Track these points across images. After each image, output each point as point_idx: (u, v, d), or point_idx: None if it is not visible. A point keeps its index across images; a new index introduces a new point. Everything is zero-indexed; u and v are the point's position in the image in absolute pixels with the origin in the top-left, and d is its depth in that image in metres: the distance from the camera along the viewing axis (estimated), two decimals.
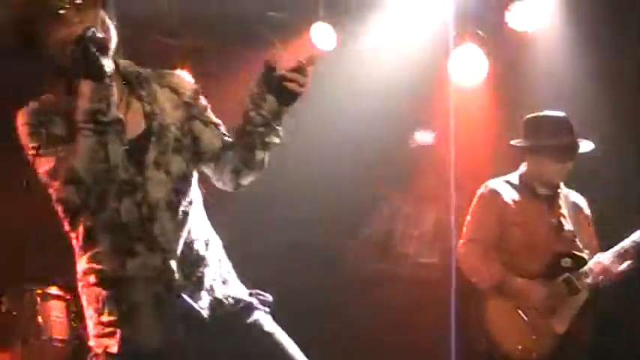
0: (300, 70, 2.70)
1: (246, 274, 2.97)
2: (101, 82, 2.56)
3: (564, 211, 4.88)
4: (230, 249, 2.96)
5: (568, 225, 4.85)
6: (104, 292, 2.72)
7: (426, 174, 7.10)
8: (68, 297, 5.93)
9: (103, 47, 2.59)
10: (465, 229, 4.97)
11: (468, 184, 5.57)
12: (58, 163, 2.60)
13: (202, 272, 2.78)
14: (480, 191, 4.96)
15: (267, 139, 2.77)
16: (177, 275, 2.71)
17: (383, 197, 7.37)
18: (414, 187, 7.37)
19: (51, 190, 2.68)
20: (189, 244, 2.76)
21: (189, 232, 2.77)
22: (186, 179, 2.80)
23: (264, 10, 6.74)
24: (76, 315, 5.92)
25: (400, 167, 7.15)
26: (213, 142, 2.85)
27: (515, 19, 6.15)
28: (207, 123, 2.87)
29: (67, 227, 2.78)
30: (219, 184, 2.93)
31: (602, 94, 6.01)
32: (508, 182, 4.94)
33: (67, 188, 2.57)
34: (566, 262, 4.78)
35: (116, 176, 2.62)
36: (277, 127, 2.77)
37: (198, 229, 2.82)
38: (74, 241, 2.78)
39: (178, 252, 2.72)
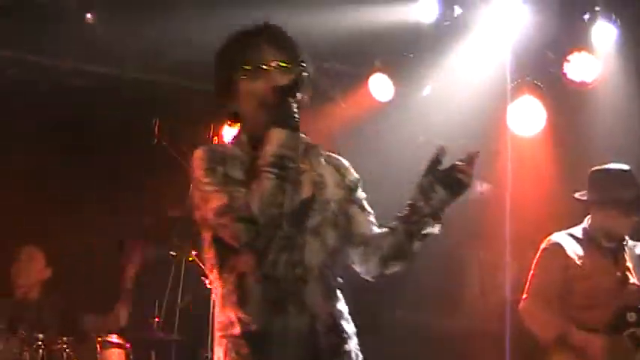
0: (468, 161, 2.73)
1: None
2: (294, 130, 2.64)
3: (629, 264, 4.83)
4: None
5: (633, 278, 4.80)
6: (246, 347, 2.68)
7: (483, 225, 7.07)
8: (128, 345, 5.96)
9: (299, 102, 2.69)
10: (528, 282, 4.93)
11: (526, 236, 5.54)
12: (232, 200, 2.62)
13: (347, 348, 2.77)
14: (543, 245, 4.94)
15: (427, 230, 2.79)
16: (323, 343, 2.71)
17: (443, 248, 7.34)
18: (471, 237, 7.35)
19: (209, 231, 2.73)
20: (334, 317, 2.77)
21: (335, 305, 2.79)
22: (337, 254, 2.83)
23: (321, 60, 6.79)
24: None
25: (458, 218, 7.11)
26: (365, 227, 2.90)
27: (574, 70, 6.14)
28: (363, 208, 2.93)
29: (215, 274, 2.77)
30: (361, 270, 2.95)
31: None
32: (572, 235, 4.91)
33: (237, 226, 2.60)
34: (632, 316, 4.70)
35: (282, 227, 2.65)
36: (442, 218, 2.78)
37: (342, 305, 2.83)
38: (220, 289, 2.76)
39: (326, 321, 2.73)
